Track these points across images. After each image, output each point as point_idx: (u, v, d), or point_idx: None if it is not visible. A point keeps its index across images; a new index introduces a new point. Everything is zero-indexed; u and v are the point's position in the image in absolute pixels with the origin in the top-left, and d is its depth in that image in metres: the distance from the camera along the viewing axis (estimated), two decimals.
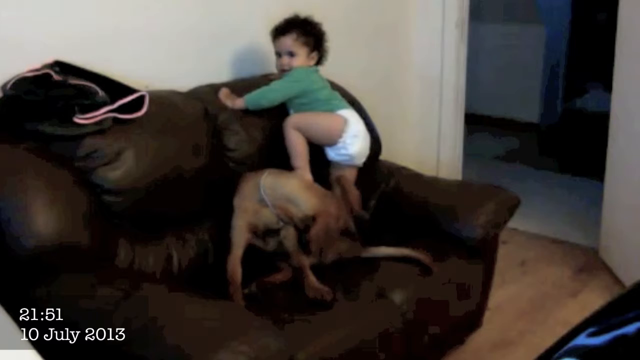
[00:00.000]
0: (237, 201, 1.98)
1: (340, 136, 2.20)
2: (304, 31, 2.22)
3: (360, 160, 2.29)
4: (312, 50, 2.24)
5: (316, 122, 2.21)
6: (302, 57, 2.22)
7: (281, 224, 1.94)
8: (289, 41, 2.21)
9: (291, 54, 2.21)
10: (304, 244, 1.94)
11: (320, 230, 1.87)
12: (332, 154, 2.25)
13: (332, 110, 2.23)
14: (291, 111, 2.24)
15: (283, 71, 2.25)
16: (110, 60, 2.05)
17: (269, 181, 1.96)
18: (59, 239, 1.65)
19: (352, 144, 2.21)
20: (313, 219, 1.88)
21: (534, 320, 2.65)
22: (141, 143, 1.87)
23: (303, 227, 1.91)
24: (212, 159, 2.06)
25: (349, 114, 2.25)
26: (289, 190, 1.93)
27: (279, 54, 2.25)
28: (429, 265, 2.05)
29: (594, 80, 5.05)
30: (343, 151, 2.22)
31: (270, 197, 1.93)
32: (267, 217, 1.94)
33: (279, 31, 2.24)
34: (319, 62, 2.29)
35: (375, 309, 1.89)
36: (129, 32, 2.14)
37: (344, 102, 2.29)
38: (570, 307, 2.74)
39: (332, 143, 2.22)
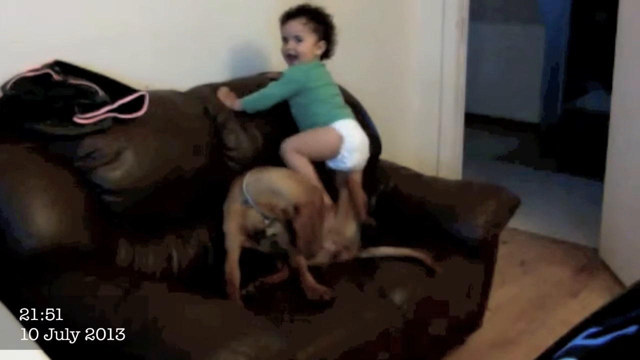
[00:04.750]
0: (226, 206, 1.98)
1: (337, 152, 2.17)
2: (315, 18, 2.16)
3: (360, 167, 2.25)
4: (320, 40, 2.18)
5: (312, 142, 2.16)
6: (308, 44, 2.15)
7: (266, 222, 1.92)
8: (298, 25, 2.14)
9: (298, 39, 2.15)
10: (292, 240, 1.93)
11: (305, 222, 1.83)
12: (331, 164, 2.22)
13: (329, 120, 2.17)
14: (292, 110, 2.22)
15: (289, 56, 2.19)
16: (110, 60, 2.06)
17: (251, 178, 1.95)
18: (59, 239, 1.65)
19: (350, 157, 2.18)
20: (296, 210, 1.84)
21: (534, 320, 2.65)
22: (141, 143, 1.87)
23: (285, 218, 1.88)
24: (212, 158, 2.06)
25: (346, 125, 2.18)
26: (270, 182, 1.92)
27: (285, 39, 2.18)
28: (431, 266, 2.05)
29: (594, 80, 5.06)
30: (342, 164, 2.19)
31: (252, 195, 1.91)
32: (253, 217, 1.92)
33: (289, 15, 2.18)
34: (325, 54, 2.23)
35: (375, 309, 1.89)
36: (128, 32, 2.14)
37: (344, 110, 2.23)
38: (570, 307, 2.74)
39: (331, 158, 2.19)
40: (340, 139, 2.16)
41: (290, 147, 2.14)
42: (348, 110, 2.26)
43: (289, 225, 1.88)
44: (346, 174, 2.21)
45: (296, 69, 2.18)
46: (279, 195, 1.88)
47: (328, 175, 2.22)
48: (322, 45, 2.20)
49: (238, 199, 1.95)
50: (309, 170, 2.12)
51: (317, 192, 1.96)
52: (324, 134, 2.17)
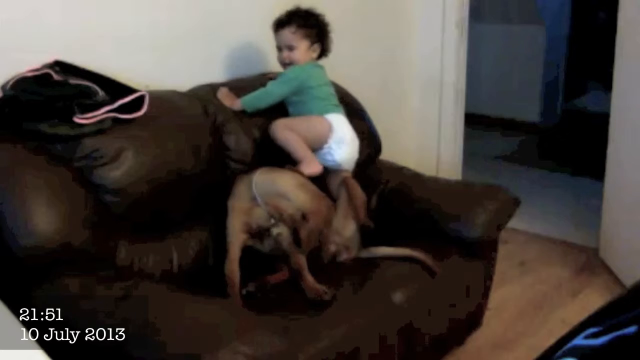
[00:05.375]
0: (231, 202, 1.99)
1: (325, 141, 2.17)
2: (305, 23, 2.16)
3: (348, 165, 2.24)
4: (313, 43, 2.19)
5: (302, 124, 2.17)
6: (301, 51, 2.17)
7: (272, 221, 1.93)
8: (289, 34, 2.16)
9: (290, 48, 2.17)
10: (297, 243, 1.94)
11: (312, 230, 1.85)
12: (321, 158, 2.20)
13: (322, 112, 2.19)
14: (290, 109, 2.23)
15: (284, 65, 2.22)
16: (110, 60, 2.06)
17: (261, 178, 1.96)
18: (58, 239, 1.65)
19: (338, 149, 2.18)
20: (304, 217, 1.86)
21: (533, 320, 2.65)
22: (141, 143, 1.87)
23: (292, 224, 1.90)
24: (211, 158, 2.06)
25: (338, 118, 2.21)
26: (281, 186, 1.92)
27: (279, 48, 2.21)
28: (431, 266, 2.05)
29: (594, 80, 5.06)
30: (329, 157, 2.19)
31: (261, 194, 1.92)
32: (259, 215, 1.93)
33: (279, 24, 2.19)
34: (322, 54, 2.24)
35: (375, 309, 1.89)
36: (129, 32, 2.14)
37: (338, 106, 2.25)
38: (570, 307, 2.74)
39: (318, 147, 2.18)
40: (329, 128, 2.17)
41: (281, 125, 2.14)
42: (342, 108, 2.28)
43: (295, 232, 1.89)
44: (339, 174, 2.20)
45: (295, 68, 2.19)
46: (288, 201, 1.89)
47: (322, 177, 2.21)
48: (317, 47, 2.21)
49: (245, 196, 1.95)
50: (299, 145, 2.11)
51: (324, 200, 1.97)
52: (314, 119, 2.19)
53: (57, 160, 1.76)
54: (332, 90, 2.28)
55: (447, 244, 2.19)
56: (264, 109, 2.21)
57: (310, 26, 2.18)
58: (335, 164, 2.20)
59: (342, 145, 2.19)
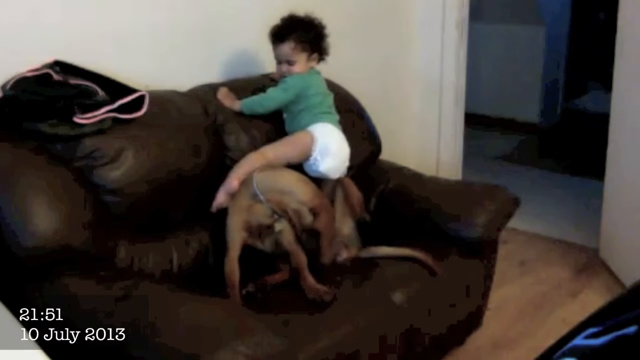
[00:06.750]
0: (231, 202, 1.99)
1: (310, 153, 2.16)
2: (302, 36, 2.16)
3: (337, 174, 2.21)
4: (312, 53, 2.19)
5: (283, 143, 2.16)
6: (301, 64, 2.18)
7: (275, 216, 1.93)
8: (287, 49, 2.16)
9: (290, 63, 2.17)
10: (303, 241, 1.94)
11: (327, 223, 1.87)
12: (306, 169, 2.20)
13: (309, 123, 2.17)
14: (284, 115, 2.23)
15: (284, 77, 2.22)
16: (110, 60, 2.06)
17: (261, 176, 1.96)
18: (58, 239, 1.65)
19: (322, 160, 2.16)
20: (314, 214, 1.87)
21: (534, 320, 2.65)
22: (141, 143, 1.87)
23: (298, 219, 1.90)
24: (211, 158, 2.06)
25: (323, 128, 2.18)
26: (284, 183, 1.94)
27: (279, 61, 2.21)
28: (431, 266, 2.05)
29: (594, 80, 5.06)
30: (314, 167, 2.18)
31: (263, 191, 1.92)
32: (260, 212, 1.93)
33: (277, 38, 2.18)
34: (320, 59, 2.24)
35: (375, 309, 1.89)
36: (128, 32, 2.14)
37: (329, 114, 2.23)
38: (570, 307, 2.74)
39: (305, 159, 2.17)
40: (311, 140, 2.16)
41: (262, 149, 2.13)
42: (333, 116, 2.25)
43: (294, 222, 1.89)
44: (330, 181, 2.20)
45: (295, 77, 2.19)
46: (292, 196, 1.90)
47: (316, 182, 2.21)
48: (315, 56, 2.21)
49: (245, 194, 1.96)
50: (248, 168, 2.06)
51: (324, 195, 1.97)
52: (295, 135, 2.18)
53: (57, 160, 1.76)
54: (328, 97, 2.27)
55: (447, 244, 2.18)
56: (262, 114, 2.20)
57: (307, 38, 2.17)
58: (320, 174, 2.18)
59: (326, 156, 2.16)
